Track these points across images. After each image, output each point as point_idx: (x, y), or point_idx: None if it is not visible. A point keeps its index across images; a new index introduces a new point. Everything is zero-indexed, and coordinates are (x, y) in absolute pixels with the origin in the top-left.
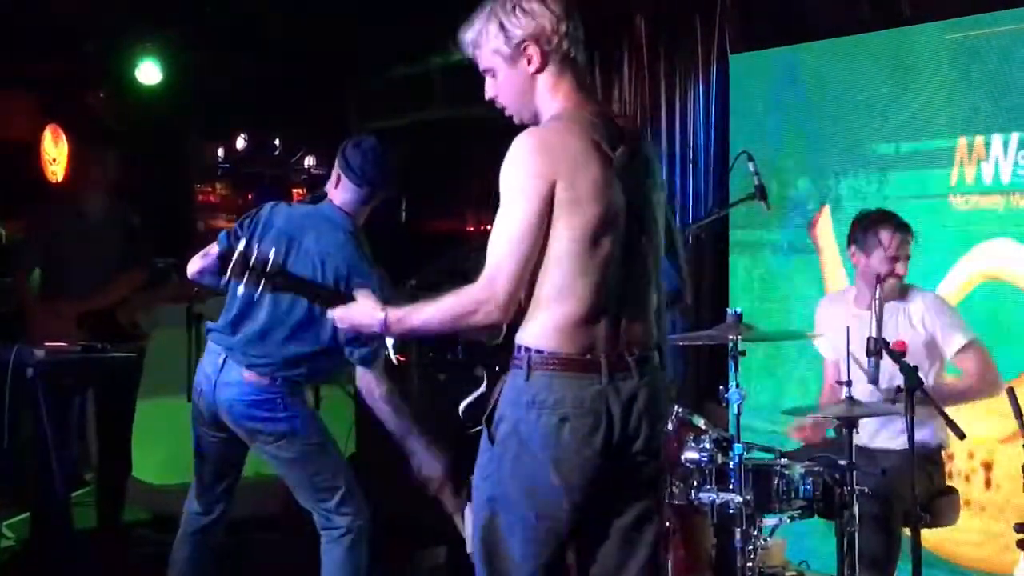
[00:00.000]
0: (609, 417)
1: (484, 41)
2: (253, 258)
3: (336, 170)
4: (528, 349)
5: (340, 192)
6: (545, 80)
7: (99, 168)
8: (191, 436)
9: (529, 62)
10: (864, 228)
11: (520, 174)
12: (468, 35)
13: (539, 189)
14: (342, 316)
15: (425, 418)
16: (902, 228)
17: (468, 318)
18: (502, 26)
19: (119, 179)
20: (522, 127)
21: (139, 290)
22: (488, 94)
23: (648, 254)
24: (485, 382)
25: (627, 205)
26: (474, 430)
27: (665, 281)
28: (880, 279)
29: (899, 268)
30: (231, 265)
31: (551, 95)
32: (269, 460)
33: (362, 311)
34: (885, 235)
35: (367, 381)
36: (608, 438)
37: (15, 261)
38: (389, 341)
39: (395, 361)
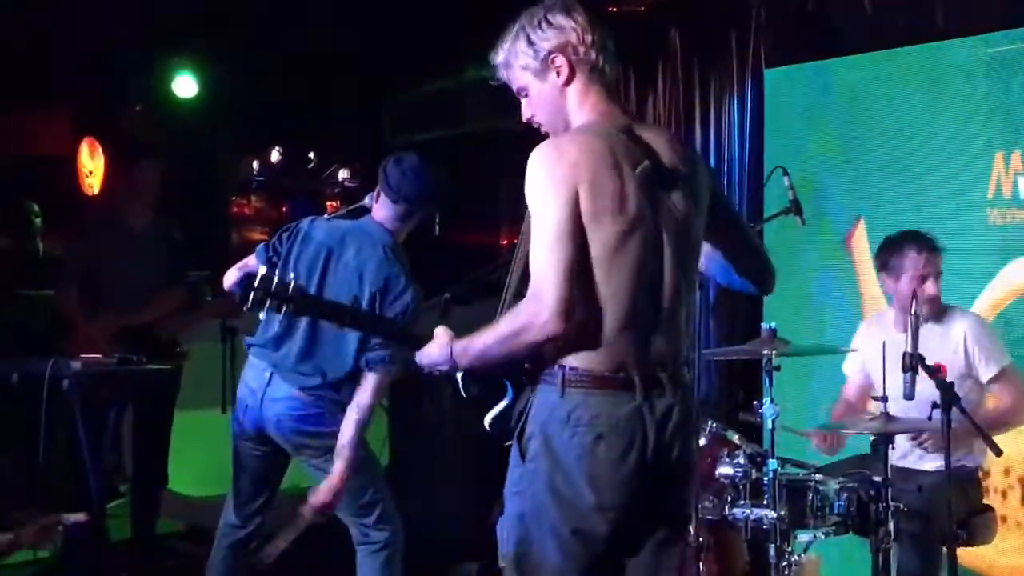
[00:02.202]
0: (644, 435)
1: (514, 60)
2: (275, 283)
3: (378, 186)
4: (562, 366)
5: (380, 208)
6: (574, 91)
7: (142, 181)
8: (225, 448)
9: (558, 74)
10: (890, 252)
11: (543, 183)
12: (499, 57)
13: (564, 194)
14: (420, 356)
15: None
16: (928, 246)
17: (524, 335)
18: (530, 41)
19: (158, 192)
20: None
21: (180, 307)
22: (524, 115)
23: (678, 269)
24: (510, 393)
25: (654, 220)
26: (506, 444)
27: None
28: (914, 295)
29: (929, 287)
30: (253, 291)
31: (579, 107)
32: (314, 474)
33: (434, 349)
34: (911, 255)
35: (366, 382)
36: (643, 456)
37: (59, 274)
38: (459, 376)
39: (463, 394)
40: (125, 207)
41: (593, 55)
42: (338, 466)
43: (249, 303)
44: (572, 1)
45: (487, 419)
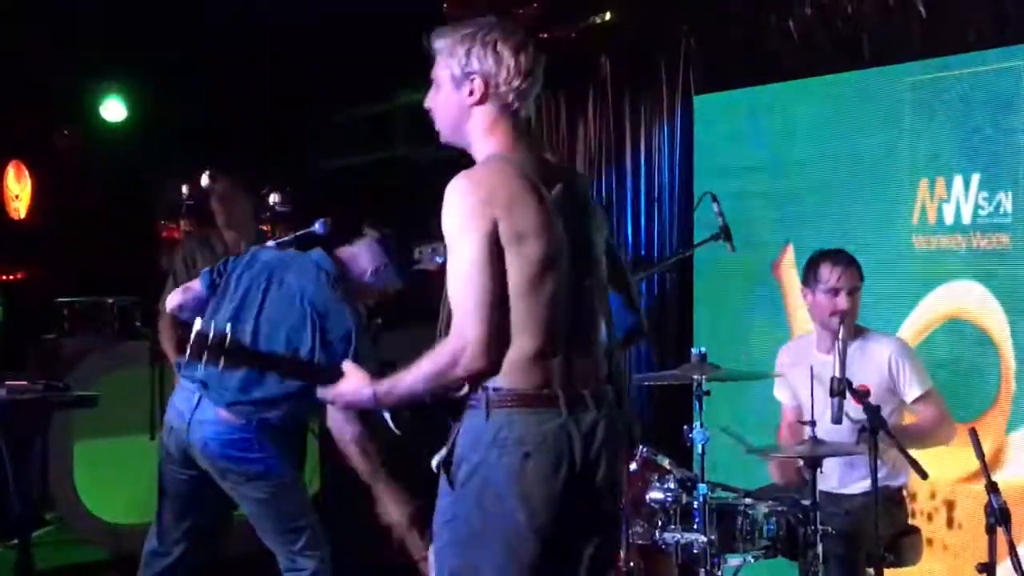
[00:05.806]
0: (571, 451)
1: (445, 54)
2: (211, 337)
3: (385, 259)
4: (485, 387)
5: (382, 276)
6: (482, 115)
7: (230, 206)
8: (153, 475)
9: (471, 93)
10: (808, 267)
11: (459, 216)
12: (437, 41)
13: (481, 227)
14: (335, 396)
15: (395, 458)
16: (842, 262)
17: (449, 372)
18: (468, 52)
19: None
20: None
21: None
22: (426, 103)
23: (594, 291)
24: (454, 432)
25: (569, 243)
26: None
27: (625, 317)
28: (840, 319)
29: (840, 301)
30: (189, 346)
31: (485, 133)
32: (238, 500)
33: (352, 389)
34: (825, 269)
35: (338, 422)
36: (571, 471)
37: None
38: (386, 414)
39: (396, 432)
40: (229, 235)
41: (510, 98)
42: (380, 489)
43: (186, 358)
44: (525, 39)
45: (434, 461)
